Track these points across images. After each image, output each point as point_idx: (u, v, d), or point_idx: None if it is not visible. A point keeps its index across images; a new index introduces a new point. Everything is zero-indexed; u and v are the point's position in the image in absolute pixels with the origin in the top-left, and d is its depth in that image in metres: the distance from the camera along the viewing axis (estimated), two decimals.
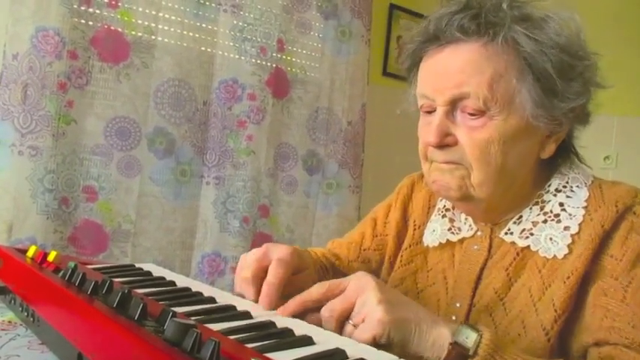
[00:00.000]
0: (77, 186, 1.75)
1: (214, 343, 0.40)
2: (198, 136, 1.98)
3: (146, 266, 0.84)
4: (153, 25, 1.86)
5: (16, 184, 1.62)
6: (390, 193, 1.06)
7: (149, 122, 1.86)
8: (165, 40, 1.89)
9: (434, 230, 0.91)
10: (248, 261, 0.75)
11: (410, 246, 0.95)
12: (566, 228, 0.76)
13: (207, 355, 0.40)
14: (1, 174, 1.61)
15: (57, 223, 1.70)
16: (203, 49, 1.98)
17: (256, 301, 0.71)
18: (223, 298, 0.68)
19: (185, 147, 1.94)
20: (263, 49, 2.06)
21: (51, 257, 0.72)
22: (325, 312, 0.64)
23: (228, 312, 0.61)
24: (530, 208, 0.80)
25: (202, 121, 1.98)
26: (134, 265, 0.84)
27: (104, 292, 0.57)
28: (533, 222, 0.79)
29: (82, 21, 1.72)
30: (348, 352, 0.49)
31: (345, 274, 0.96)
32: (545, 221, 0.78)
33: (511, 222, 0.81)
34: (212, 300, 0.66)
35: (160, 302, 0.61)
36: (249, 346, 0.48)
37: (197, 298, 0.67)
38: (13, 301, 0.71)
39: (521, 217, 0.81)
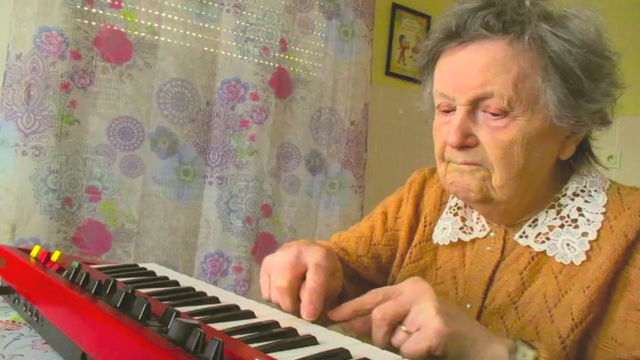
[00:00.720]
0: (80, 186, 1.75)
1: (218, 342, 0.40)
2: (201, 136, 1.98)
3: (149, 266, 0.84)
4: (155, 25, 1.86)
5: (20, 184, 1.62)
6: (392, 192, 1.04)
7: (152, 122, 1.86)
8: (168, 40, 1.89)
9: (445, 228, 0.89)
10: (280, 267, 0.68)
11: (420, 242, 0.92)
12: (584, 234, 0.74)
13: (211, 354, 0.40)
14: (4, 174, 1.61)
15: (60, 223, 1.70)
16: (206, 49, 1.98)
17: (293, 310, 0.67)
18: (227, 297, 0.68)
19: (188, 147, 1.95)
20: (266, 49, 2.06)
21: (54, 257, 0.72)
22: (377, 313, 0.61)
23: (232, 312, 0.61)
24: (546, 212, 0.79)
25: (205, 121, 1.98)
26: (137, 265, 0.84)
27: (108, 291, 0.57)
28: (549, 226, 0.77)
29: (85, 21, 1.73)
30: (352, 352, 0.49)
31: (353, 270, 0.95)
32: (562, 226, 0.76)
33: (526, 225, 0.79)
34: (215, 300, 0.66)
35: (164, 302, 0.61)
36: (253, 345, 0.48)
37: (200, 297, 0.67)
38: (17, 301, 0.71)
39: (536, 220, 0.79)
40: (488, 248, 0.83)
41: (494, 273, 0.81)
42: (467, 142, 0.73)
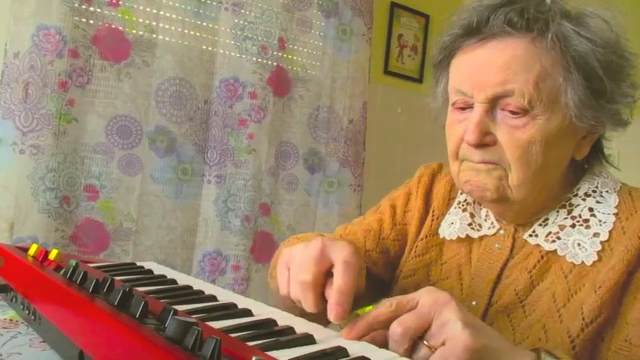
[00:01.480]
0: (78, 184, 1.75)
1: (215, 341, 0.40)
2: (200, 135, 1.98)
3: (147, 264, 0.84)
4: (154, 23, 1.86)
5: (18, 182, 1.62)
6: (391, 191, 1.02)
7: (150, 121, 1.86)
8: (166, 38, 1.89)
9: (452, 223, 0.87)
10: (303, 261, 0.62)
11: (426, 237, 0.91)
12: (596, 234, 0.74)
13: (209, 353, 0.40)
14: (2, 172, 1.61)
15: (58, 222, 1.70)
16: (204, 47, 1.98)
17: (315, 309, 0.61)
18: (224, 296, 0.67)
19: (186, 145, 1.95)
20: (264, 47, 2.06)
21: (52, 255, 0.72)
22: (397, 328, 0.55)
23: (230, 310, 0.61)
24: (557, 211, 0.78)
25: (203, 119, 1.98)
26: (135, 264, 0.84)
27: (105, 290, 0.57)
28: (560, 225, 0.76)
29: (83, 19, 1.73)
30: (350, 351, 0.49)
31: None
32: (573, 226, 0.76)
33: (536, 224, 0.79)
34: (213, 298, 0.66)
35: (161, 300, 0.61)
36: (251, 344, 0.48)
37: (198, 296, 0.66)
38: (14, 300, 0.71)
39: (547, 219, 0.78)
40: (496, 246, 0.82)
41: (503, 271, 0.80)
42: (485, 141, 0.72)
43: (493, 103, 0.72)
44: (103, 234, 1.79)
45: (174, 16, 1.91)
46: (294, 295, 0.63)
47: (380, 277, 0.94)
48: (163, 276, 0.76)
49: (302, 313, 0.62)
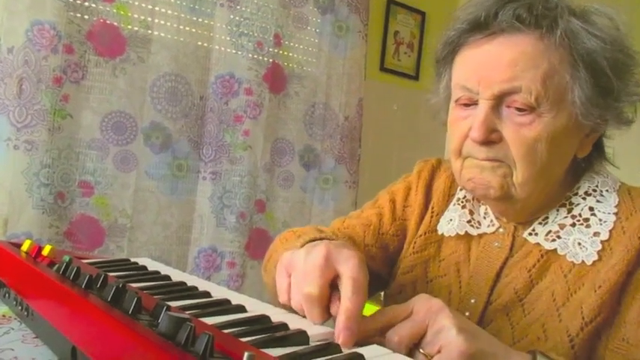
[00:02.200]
0: (73, 180, 1.74)
1: (208, 336, 0.40)
2: (195, 131, 1.97)
3: (141, 260, 0.83)
4: (149, 19, 1.85)
5: (12, 178, 1.61)
6: (386, 187, 1.01)
7: (145, 117, 1.85)
8: (162, 34, 1.88)
9: (451, 219, 0.87)
10: (307, 271, 0.58)
11: (425, 233, 0.90)
12: (596, 234, 0.74)
13: (201, 348, 0.40)
14: None
15: (53, 218, 1.69)
16: (200, 43, 1.97)
17: (322, 322, 0.58)
18: (218, 292, 0.67)
19: (181, 142, 1.94)
20: (260, 43, 2.06)
21: (45, 251, 0.72)
22: (393, 337, 0.55)
23: (223, 306, 0.61)
24: (557, 210, 0.78)
25: (199, 115, 1.98)
26: (129, 260, 0.84)
27: (98, 286, 0.57)
28: (560, 224, 0.77)
29: (78, 15, 1.72)
30: (342, 347, 0.49)
31: None
32: (573, 225, 0.76)
33: (536, 222, 0.79)
34: (207, 294, 0.66)
35: (155, 296, 0.61)
36: (244, 340, 0.48)
37: (192, 292, 0.66)
38: (7, 295, 0.70)
39: (547, 218, 0.78)
40: (496, 244, 0.82)
41: (502, 269, 0.80)
42: (491, 138, 0.71)
43: (499, 100, 0.71)
44: (98, 230, 1.79)
45: (169, 12, 1.90)
46: (296, 305, 0.60)
47: (377, 272, 0.93)
48: (157, 272, 0.76)
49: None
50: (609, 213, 0.75)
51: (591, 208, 0.76)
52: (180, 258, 1.97)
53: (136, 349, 0.42)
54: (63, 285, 0.57)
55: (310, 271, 0.58)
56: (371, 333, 0.57)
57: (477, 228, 0.85)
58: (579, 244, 0.74)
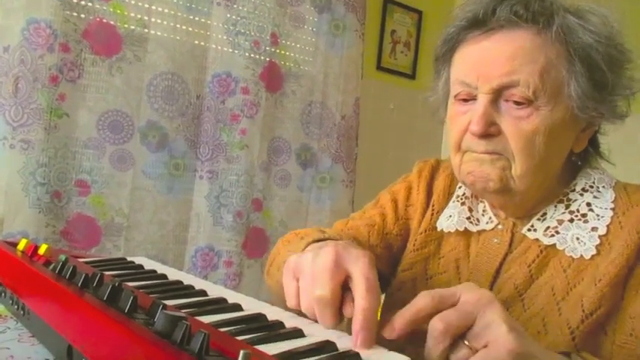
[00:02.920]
0: (69, 180, 1.74)
1: (204, 335, 0.40)
2: (192, 130, 1.97)
3: (138, 259, 0.83)
4: (146, 18, 1.85)
5: (8, 177, 1.61)
6: (383, 187, 1.02)
7: (142, 116, 1.85)
8: (158, 33, 1.88)
9: (450, 216, 0.88)
10: (316, 273, 0.57)
11: (425, 231, 0.91)
12: (594, 229, 0.75)
13: (197, 347, 0.40)
14: None
15: (49, 217, 1.69)
16: (196, 42, 1.97)
17: (335, 325, 0.56)
18: (215, 291, 0.67)
19: (178, 141, 1.94)
20: (256, 42, 2.06)
21: (42, 250, 0.72)
22: (439, 324, 0.52)
23: (219, 304, 0.61)
24: (555, 206, 0.79)
25: (195, 114, 1.98)
26: (125, 259, 0.84)
27: (95, 284, 0.57)
28: (558, 220, 0.78)
29: (74, 13, 1.71)
30: (338, 345, 0.49)
31: None
32: (571, 220, 0.77)
33: (534, 218, 0.80)
34: (203, 293, 0.66)
35: (151, 295, 0.61)
36: (240, 338, 0.48)
37: (188, 291, 0.66)
38: (3, 294, 0.70)
39: (545, 214, 0.79)
40: (495, 240, 0.83)
41: (502, 265, 0.81)
42: (490, 131, 0.73)
43: (497, 94, 0.73)
44: (95, 229, 1.78)
45: (166, 10, 1.90)
46: (306, 309, 0.58)
47: (381, 271, 0.92)
48: (154, 271, 0.76)
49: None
50: (606, 208, 0.76)
51: (588, 204, 0.77)
52: (177, 257, 1.97)
53: (131, 347, 0.42)
54: (59, 284, 0.57)
55: (320, 274, 0.56)
56: (420, 321, 0.53)
57: (476, 225, 0.85)
58: (578, 239, 0.75)
